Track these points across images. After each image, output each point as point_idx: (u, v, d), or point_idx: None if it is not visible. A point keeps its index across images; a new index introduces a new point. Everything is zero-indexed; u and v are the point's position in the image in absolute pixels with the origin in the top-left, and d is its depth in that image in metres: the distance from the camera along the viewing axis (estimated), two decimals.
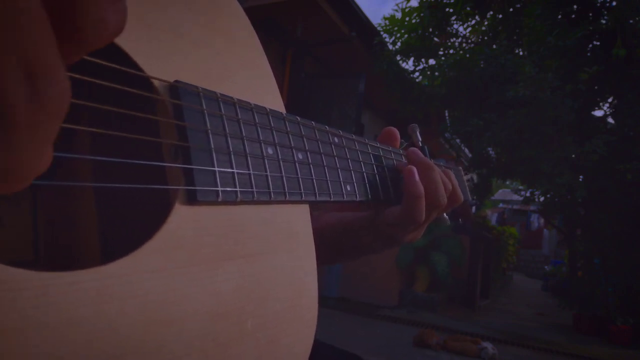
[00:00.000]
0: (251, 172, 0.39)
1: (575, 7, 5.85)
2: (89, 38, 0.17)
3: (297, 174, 0.45)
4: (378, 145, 0.63)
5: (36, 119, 0.16)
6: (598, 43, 5.70)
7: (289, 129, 0.46)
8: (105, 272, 0.28)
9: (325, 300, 5.19)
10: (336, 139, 0.54)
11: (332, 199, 0.49)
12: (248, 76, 0.44)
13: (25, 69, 0.15)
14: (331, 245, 0.67)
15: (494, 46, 6.34)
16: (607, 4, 5.80)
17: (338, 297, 5.54)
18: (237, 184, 0.38)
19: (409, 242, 0.67)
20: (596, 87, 5.84)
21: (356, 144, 0.58)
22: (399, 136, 0.69)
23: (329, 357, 0.70)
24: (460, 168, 0.90)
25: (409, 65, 7.24)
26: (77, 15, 0.17)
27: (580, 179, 5.41)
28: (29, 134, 0.16)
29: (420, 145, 0.70)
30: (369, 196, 0.57)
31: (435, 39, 6.95)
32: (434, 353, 3.79)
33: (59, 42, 0.17)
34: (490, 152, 6.30)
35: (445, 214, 0.70)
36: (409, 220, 0.59)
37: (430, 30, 6.83)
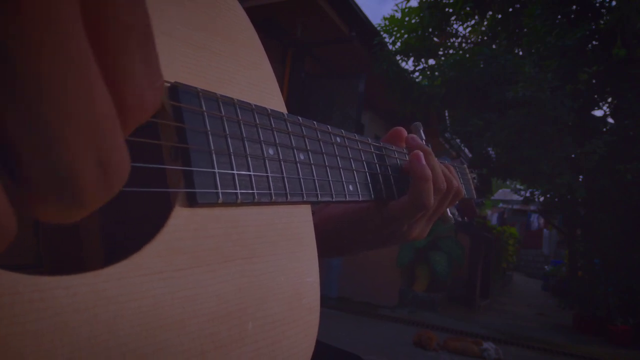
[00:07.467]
0: (252, 173, 0.39)
1: (575, 7, 5.84)
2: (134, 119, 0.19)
3: (298, 175, 0.44)
4: (380, 144, 0.63)
5: (102, 195, 0.18)
6: (598, 43, 5.69)
7: (290, 129, 0.45)
8: (103, 276, 0.28)
9: (325, 300, 5.18)
10: (338, 139, 0.53)
11: (334, 199, 0.49)
12: (249, 77, 0.44)
13: (98, 158, 0.17)
14: (334, 237, 0.66)
15: (494, 46, 6.34)
16: (607, 4, 5.79)
17: (338, 297, 5.54)
18: (237, 185, 0.37)
19: (414, 239, 0.66)
20: (596, 87, 5.83)
21: (358, 143, 0.58)
22: (406, 135, 0.68)
23: (329, 357, 0.70)
24: (465, 166, 0.90)
25: (409, 65, 7.25)
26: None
27: (580, 179, 5.40)
28: (95, 204, 0.18)
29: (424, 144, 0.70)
30: (372, 195, 0.56)
31: (435, 39, 6.94)
32: (434, 353, 3.79)
33: None
34: (490, 152, 6.29)
35: (449, 212, 0.70)
36: (419, 206, 0.59)
37: (430, 30, 6.82)
